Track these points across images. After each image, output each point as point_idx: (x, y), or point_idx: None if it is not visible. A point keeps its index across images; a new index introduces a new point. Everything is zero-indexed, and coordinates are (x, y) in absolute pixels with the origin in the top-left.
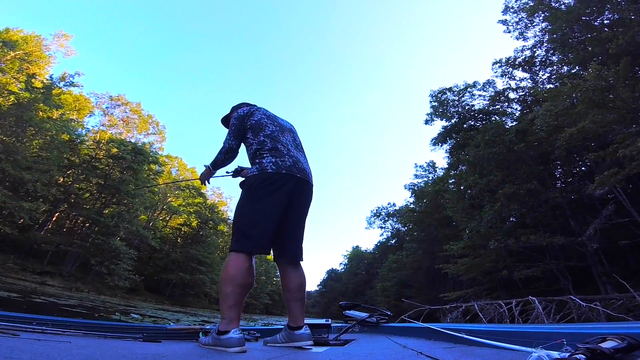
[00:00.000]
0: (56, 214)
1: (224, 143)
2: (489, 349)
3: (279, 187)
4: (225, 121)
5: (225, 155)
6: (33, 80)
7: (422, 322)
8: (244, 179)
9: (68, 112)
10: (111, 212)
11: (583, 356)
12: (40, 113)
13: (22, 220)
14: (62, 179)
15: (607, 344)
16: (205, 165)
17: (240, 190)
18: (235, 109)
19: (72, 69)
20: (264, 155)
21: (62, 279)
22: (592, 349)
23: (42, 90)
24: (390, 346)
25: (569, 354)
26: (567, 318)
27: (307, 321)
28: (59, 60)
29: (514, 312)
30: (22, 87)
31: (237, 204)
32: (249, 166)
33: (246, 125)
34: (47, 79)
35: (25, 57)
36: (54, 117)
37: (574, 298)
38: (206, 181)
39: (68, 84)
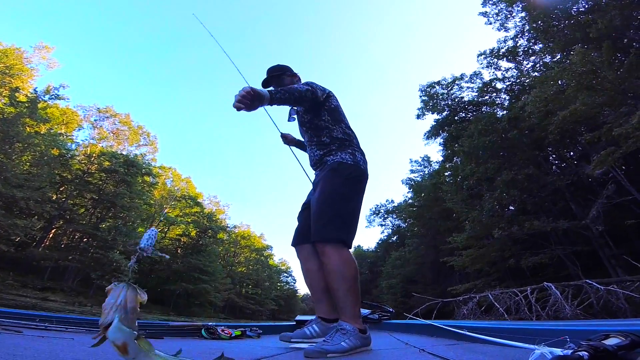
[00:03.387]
0: (52, 230)
1: (311, 86)
2: (492, 346)
3: (364, 188)
4: (274, 77)
5: (303, 95)
6: (17, 94)
7: (434, 316)
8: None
9: (56, 126)
10: (108, 226)
11: (586, 353)
12: (28, 128)
13: (18, 238)
14: (55, 196)
15: (610, 341)
16: (265, 91)
17: (329, 172)
18: (289, 71)
19: (56, 81)
20: (355, 149)
21: (64, 294)
22: (595, 346)
23: (26, 104)
24: (393, 343)
25: (571, 351)
26: (585, 303)
27: (307, 318)
28: (42, 73)
29: (530, 299)
30: (6, 101)
31: (333, 187)
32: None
33: (324, 103)
34: (32, 93)
35: (7, 71)
36: (41, 132)
37: (590, 282)
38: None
39: (53, 96)
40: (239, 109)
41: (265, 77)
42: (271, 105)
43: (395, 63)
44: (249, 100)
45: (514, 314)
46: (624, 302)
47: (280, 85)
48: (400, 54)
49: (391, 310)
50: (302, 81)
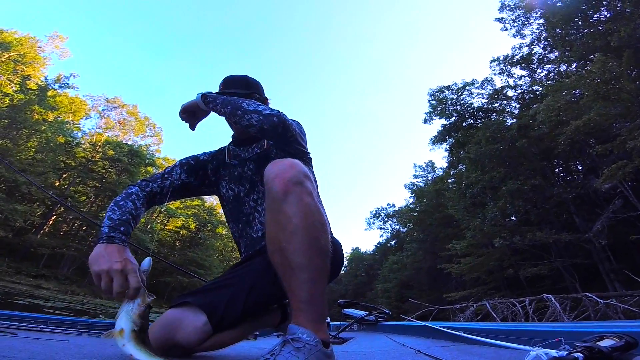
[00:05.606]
0: (53, 217)
1: (277, 113)
2: (487, 347)
3: None
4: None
5: (262, 123)
6: (27, 82)
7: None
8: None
9: (64, 114)
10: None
11: (581, 355)
12: (36, 115)
13: (17, 224)
14: (58, 182)
15: (605, 343)
16: (202, 96)
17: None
18: (258, 92)
19: (67, 70)
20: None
21: (58, 282)
22: (590, 347)
23: (36, 92)
24: (389, 344)
25: (566, 352)
26: (582, 315)
27: None
28: (54, 62)
29: (528, 310)
30: (16, 89)
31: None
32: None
33: (308, 159)
34: (42, 81)
35: (20, 59)
36: (49, 119)
37: (589, 295)
38: (193, 123)
39: (63, 85)
40: (191, 129)
41: (219, 90)
42: (208, 109)
43: (399, 64)
44: (187, 121)
45: None
46: (622, 315)
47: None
48: (405, 55)
49: (387, 311)
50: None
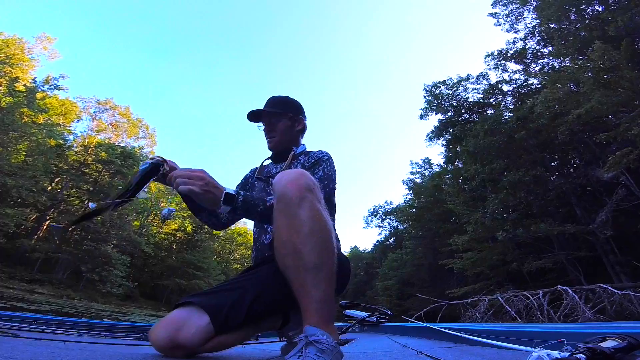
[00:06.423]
0: (47, 222)
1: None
2: (490, 348)
3: None
4: (267, 114)
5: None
6: (15, 84)
7: (439, 320)
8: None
9: (54, 116)
10: (102, 219)
11: (583, 356)
12: (25, 118)
13: (12, 230)
14: (50, 186)
15: (607, 344)
16: (223, 188)
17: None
18: (293, 111)
19: (56, 72)
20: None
21: (52, 286)
22: (592, 348)
23: (24, 94)
24: (391, 345)
25: (569, 353)
26: (596, 307)
27: None
28: (43, 64)
29: (542, 303)
30: (4, 91)
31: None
32: None
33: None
34: (31, 83)
35: (7, 61)
36: (39, 122)
37: (604, 286)
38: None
39: (52, 87)
40: (187, 192)
41: (256, 109)
42: (232, 212)
43: (394, 61)
44: (201, 189)
45: (525, 318)
46: (638, 306)
47: (272, 128)
48: (400, 52)
49: (389, 312)
50: (306, 128)
